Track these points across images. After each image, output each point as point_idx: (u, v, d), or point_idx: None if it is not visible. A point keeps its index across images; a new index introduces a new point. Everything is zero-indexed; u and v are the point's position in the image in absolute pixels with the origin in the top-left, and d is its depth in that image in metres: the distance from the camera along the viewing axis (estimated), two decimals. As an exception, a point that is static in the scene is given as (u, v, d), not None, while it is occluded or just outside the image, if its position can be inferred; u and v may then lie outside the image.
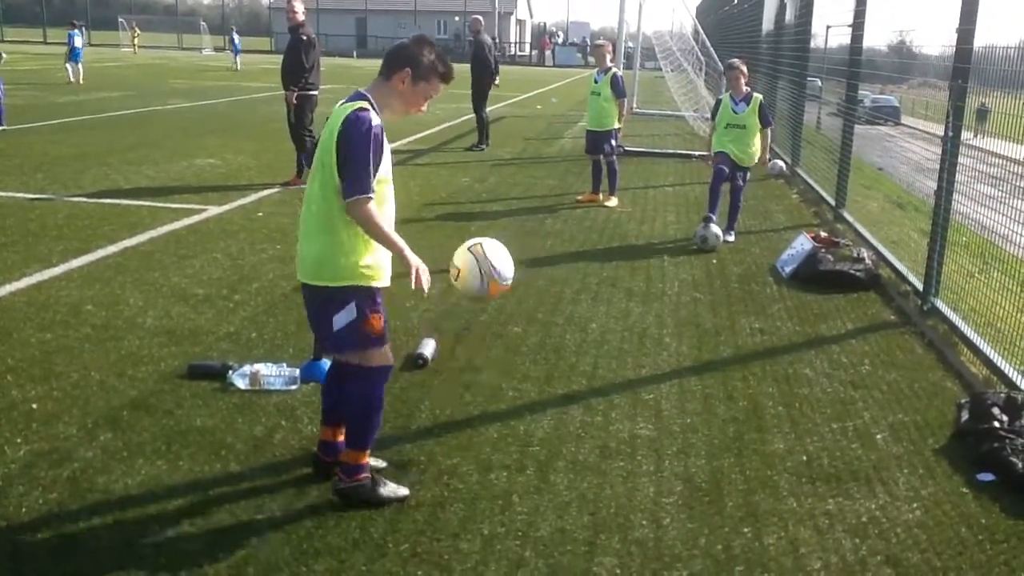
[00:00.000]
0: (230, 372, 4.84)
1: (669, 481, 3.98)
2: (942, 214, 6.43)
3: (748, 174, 8.95)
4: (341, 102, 3.48)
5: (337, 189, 3.35)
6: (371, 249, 3.46)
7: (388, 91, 3.50)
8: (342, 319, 3.46)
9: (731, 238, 8.80)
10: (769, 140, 8.97)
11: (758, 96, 8.85)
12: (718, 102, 9.11)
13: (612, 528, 3.59)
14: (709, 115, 9.47)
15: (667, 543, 3.50)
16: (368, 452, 3.69)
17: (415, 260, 3.41)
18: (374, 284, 3.50)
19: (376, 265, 3.49)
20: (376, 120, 3.37)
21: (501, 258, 3.85)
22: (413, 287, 3.39)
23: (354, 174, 3.31)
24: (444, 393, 4.81)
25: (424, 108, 3.61)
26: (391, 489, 3.70)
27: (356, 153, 3.31)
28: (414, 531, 3.50)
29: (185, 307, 6.07)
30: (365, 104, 3.41)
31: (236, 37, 42.06)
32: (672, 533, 3.57)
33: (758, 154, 8.83)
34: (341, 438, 3.79)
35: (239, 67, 39.74)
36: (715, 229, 8.46)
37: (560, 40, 73.66)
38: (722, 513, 3.74)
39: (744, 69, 8.82)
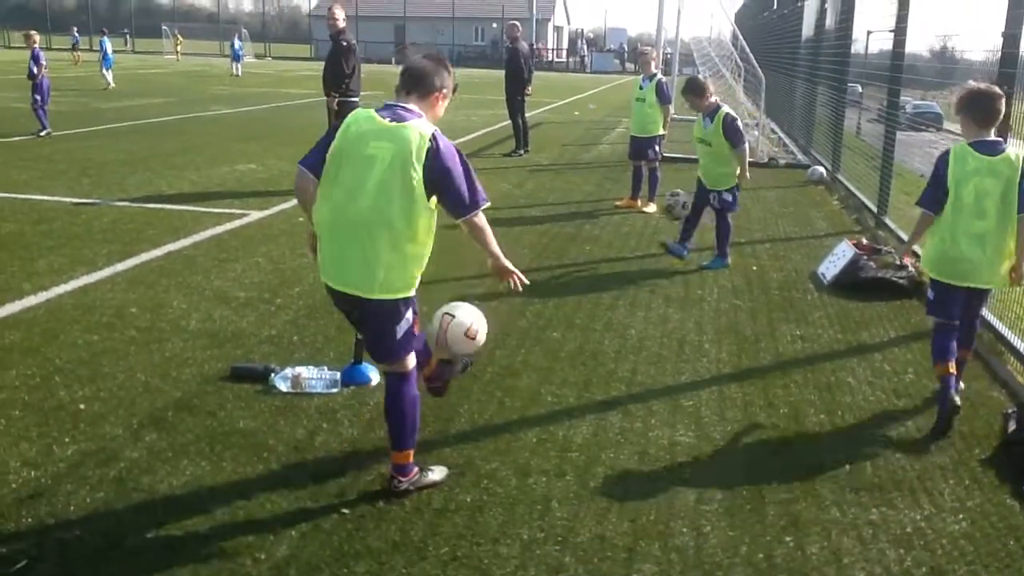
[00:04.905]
0: (272, 375, 4.89)
1: (709, 488, 3.95)
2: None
3: (729, 195, 7.77)
4: (395, 120, 3.56)
5: (424, 205, 3.52)
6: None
7: (427, 109, 3.72)
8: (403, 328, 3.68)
9: (717, 265, 7.83)
10: (746, 159, 7.68)
11: (724, 110, 7.66)
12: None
13: (652, 535, 3.57)
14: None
15: (707, 551, 3.48)
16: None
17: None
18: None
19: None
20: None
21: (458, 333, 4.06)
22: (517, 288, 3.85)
23: (467, 188, 3.59)
24: (483, 398, 4.82)
25: None
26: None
27: (462, 171, 3.57)
28: (454, 534, 3.51)
29: (227, 310, 6.14)
30: (432, 127, 3.60)
31: (238, 43, 40.45)
32: (713, 541, 3.55)
33: (733, 174, 7.69)
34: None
35: (239, 73, 38.59)
36: (683, 197, 8.64)
37: (580, 48, 74.19)
38: (763, 521, 3.71)
39: (701, 81, 7.96)
